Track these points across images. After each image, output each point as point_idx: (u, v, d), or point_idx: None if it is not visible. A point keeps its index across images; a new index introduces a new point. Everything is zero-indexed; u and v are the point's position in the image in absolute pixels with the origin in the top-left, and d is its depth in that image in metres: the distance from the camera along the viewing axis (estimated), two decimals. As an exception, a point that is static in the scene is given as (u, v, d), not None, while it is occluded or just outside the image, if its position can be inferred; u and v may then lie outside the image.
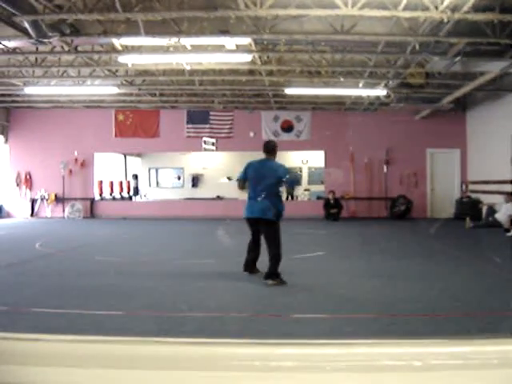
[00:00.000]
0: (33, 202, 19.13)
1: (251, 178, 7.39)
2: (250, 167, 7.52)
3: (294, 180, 7.39)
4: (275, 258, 7.00)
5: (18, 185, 19.22)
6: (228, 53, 11.40)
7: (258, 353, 1.13)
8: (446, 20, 8.73)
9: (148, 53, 11.58)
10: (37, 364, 1.13)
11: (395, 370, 1.08)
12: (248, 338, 1.21)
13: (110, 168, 22.81)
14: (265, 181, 7.22)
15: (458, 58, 10.58)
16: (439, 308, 5.76)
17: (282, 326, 5.17)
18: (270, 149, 7.64)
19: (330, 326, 5.13)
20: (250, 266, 7.54)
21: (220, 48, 11.23)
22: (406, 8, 8.49)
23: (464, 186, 17.98)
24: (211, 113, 19.09)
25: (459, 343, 1.14)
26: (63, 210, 19.03)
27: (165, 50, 11.42)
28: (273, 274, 6.93)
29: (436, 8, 8.34)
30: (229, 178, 22.26)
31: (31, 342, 1.20)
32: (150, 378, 1.08)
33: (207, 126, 19.08)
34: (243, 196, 20.37)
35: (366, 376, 1.06)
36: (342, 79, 14.09)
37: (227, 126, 19.05)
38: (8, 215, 19.07)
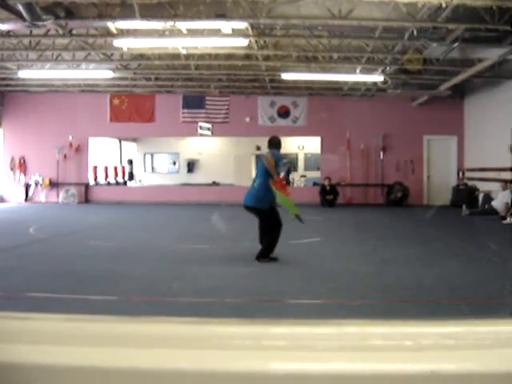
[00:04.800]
0: (27, 186, 19.05)
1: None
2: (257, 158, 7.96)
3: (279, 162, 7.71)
4: (268, 241, 7.45)
5: (12, 169, 19.13)
6: (224, 37, 11.32)
7: (250, 332, 1.13)
8: (444, 5, 8.69)
9: (143, 37, 11.48)
10: (27, 342, 1.12)
11: (386, 350, 1.07)
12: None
13: (104, 153, 22.74)
14: (259, 169, 7.70)
15: (456, 44, 10.54)
16: (435, 294, 5.79)
17: (276, 310, 5.19)
18: (269, 142, 7.96)
19: (324, 310, 5.15)
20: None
21: (216, 32, 11.14)
22: (404, -7, 8.45)
23: (461, 173, 18.00)
24: (207, 98, 19.00)
25: (451, 323, 1.14)
26: (57, 195, 18.98)
27: (160, 33, 11.32)
28: (261, 255, 7.41)
29: (434, -7, 8.29)
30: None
31: (22, 321, 1.19)
32: (141, 355, 1.08)
33: (203, 110, 18.99)
34: (239, 182, 20.37)
35: (357, 355, 1.06)
36: (337, 62, 14.02)
37: (223, 111, 18.98)
38: (2, 200, 19.00)
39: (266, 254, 7.40)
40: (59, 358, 1.07)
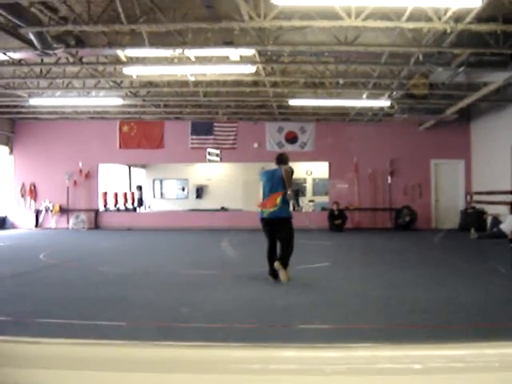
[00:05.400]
0: (37, 212, 19.16)
1: (264, 183, 7.91)
2: (263, 175, 8.07)
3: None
4: (286, 252, 7.56)
5: (22, 196, 19.27)
6: (232, 64, 11.47)
7: (258, 356, 1.13)
8: (449, 31, 8.77)
9: (152, 64, 11.65)
10: (37, 366, 1.13)
11: (395, 373, 1.07)
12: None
13: (114, 179, 22.87)
14: (274, 182, 7.72)
15: (462, 69, 10.61)
16: (443, 319, 5.72)
17: (285, 335, 5.15)
18: (278, 159, 8.09)
19: (333, 335, 5.10)
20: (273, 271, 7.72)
21: (224, 59, 11.30)
22: (409, 19, 8.53)
23: (468, 197, 17.91)
24: (215, 124, 19.15)
25: (459, 346, 1.14)
26: (68, 221, 19.06)
27: (169, 61, 11.49)
28: (284, 260, 7.48)
29: (439, 19, 8.38)
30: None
31: (32, 345, 1.21)
32: (149, 380, 1.08)
33: (211, 137, 19.12)
34: (247, 207, 20.31)
35: (366, 378, 1.05)
36: (344, 87, 14.13)
37: (231, 137, 19.09)
38: (12, 226, 19.10)
39: (287, 262, 7.51)
40: (69, 382, 1.08)
